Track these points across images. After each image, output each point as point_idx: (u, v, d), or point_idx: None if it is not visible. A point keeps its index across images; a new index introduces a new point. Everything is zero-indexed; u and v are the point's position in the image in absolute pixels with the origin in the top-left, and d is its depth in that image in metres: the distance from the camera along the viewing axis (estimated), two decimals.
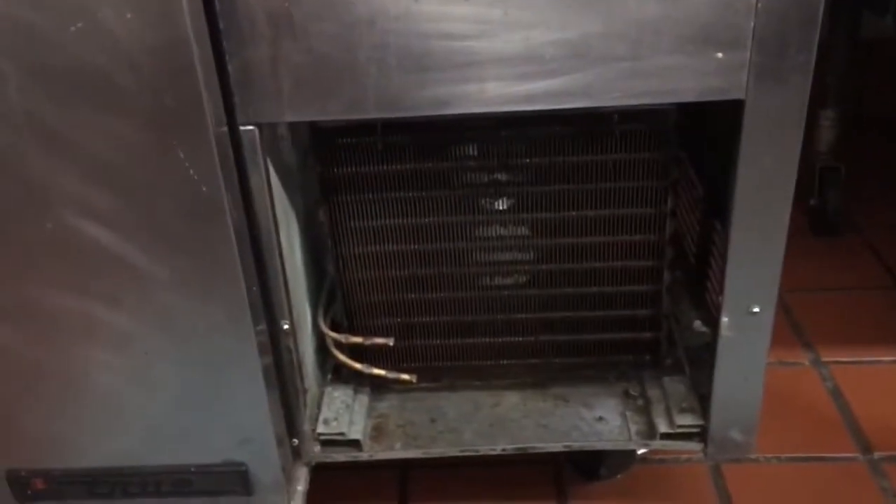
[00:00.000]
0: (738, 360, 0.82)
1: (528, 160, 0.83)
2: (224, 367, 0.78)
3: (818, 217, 1.51)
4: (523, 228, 0.87)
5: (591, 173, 0.83)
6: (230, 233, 0.71)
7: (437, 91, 0.70)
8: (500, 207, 0.87)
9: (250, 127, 0.72)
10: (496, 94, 0.70)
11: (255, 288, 0.76)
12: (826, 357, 1.26)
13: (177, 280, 0.73)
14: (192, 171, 0.68)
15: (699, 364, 0.96)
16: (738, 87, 0.69)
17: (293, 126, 0.84)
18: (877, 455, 1.08)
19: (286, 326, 0.81)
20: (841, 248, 1.50)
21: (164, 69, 0.65)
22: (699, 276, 1.06)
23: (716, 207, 0.99)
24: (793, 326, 1.32)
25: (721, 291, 0.80)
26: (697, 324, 1.03)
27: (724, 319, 0.80)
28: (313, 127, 0.83)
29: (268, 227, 0.77)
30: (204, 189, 0.69)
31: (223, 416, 0.80)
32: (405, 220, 0.87)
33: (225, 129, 0.70)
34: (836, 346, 1.27)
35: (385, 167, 0.84)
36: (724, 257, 0.78)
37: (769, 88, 0.69)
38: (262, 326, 0.79)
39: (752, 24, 0.66)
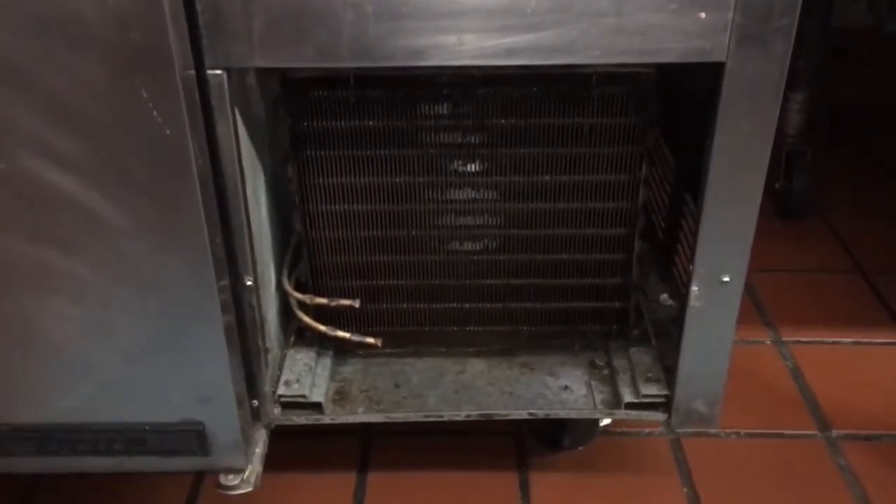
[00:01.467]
0: (706, 331, 0.82)
1: (503, 121, 0.82)
2: (184, 322, 0.75)
3: (784, 200, 1.52)
4: (494, 192, 0.86)
5: (567, 137, 0.82)
6: (194, 180, 0.68)
7: (414, 41, 0.68)
8: (472, 169, 0.85)
9: (218, 71, 0.69)
10: (475, 46, 0.68)
11: (218, 240, 0.74)
12: (787, 336, 1.27)
13: (137, 227, 0.70)
14: (155, 113, 0.65)
15: (666, 336, 0.96)
16: (719, 50, 0.68)
17: (263, 76, 0.82)
18: (834, 433, 1.09)
19: (249, 283, 0.79)
20: (805, 231, 1.52)
21: (129, 2, 0.61)
22: (667, 250, 1.07)
23: (686, 179, 0.99)
24: (755, 306, 1.32)
25: (692, 260, 0.79)
26: (664, 297, 1.04)
27: (694, 289, 0.80)
28: (284, 78, 0.80)
29: (234, 178, 0.74)
30: (168, 132, 0.66)
31: (182, 373, 0.78)
32: (374, 179, 0.85)
33: (192, 72, 0.67)
34: (797, 327, 1.28)
35: (356, 122, 0.82)
36: (696, 224, 0.77)
37: (750, 52, 0.68)
38: (225, 282, 0.76)
39: None
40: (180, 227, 0.71)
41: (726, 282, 0.79)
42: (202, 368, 0.78)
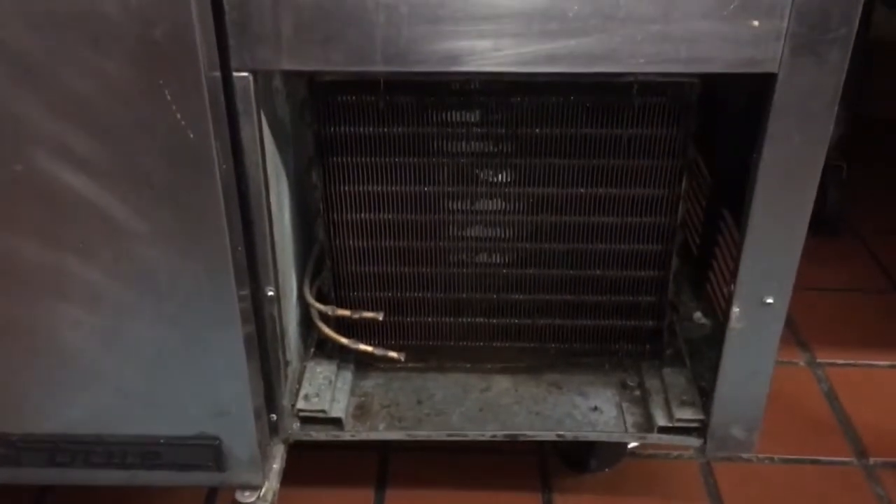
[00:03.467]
0: (746, 354, 0.78)
1: (536, 130, 0.78)
2: (203, 332, 0.72)
3: (818, 216, 1.47)
4: (525, 204, 0.83)
5: (605, 148, 0.78)
6: (217, 185, 0.66)
7: (450, 45, 0.65)
8: (503, 180, 0.82)
9: (245, 74, 0.66)
10: (513, 52, 0.65)
11: (240, 248, 0.71)
12: (821, 358, 1.22)
13: (157, 233, 0.67)
14: (179, 115, 0.63)
15: (700, 356, 0.93)
16: (771, 60, 0.65)
17: (289, 79, 0.79)
18: (872, 461, 1.05)
19: (271, 293, 0.76)
20: (839, 248, 1.47)
21: None
22: (701, 267, 1.03)
23: (724, 194, 0.96)
24: (788, 325, 1.28)
25: (733, 280, 0.75)
26: (698, 315, 1.00)
27: (735, 310, 0.76)
28: (311, 81, 0.77)
29: (258, 184, 0.71)
30: (191, 135, 0.63)
31: (199, 386, 0.75)
32: (401, 188, 0.82)
33: (217, 74, 0.65)
34: (832, 348, 1.24)
35: (384, 129, 0.79)
36: (739, 243, 0.74)
37: (805, 63, 0.65)
38: (246, 291, 0.73)
39: None
40: (201, 234, 0.68)
41: (769, 303, 0.75)
42: (220, 381, 0.75)
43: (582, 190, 0.81)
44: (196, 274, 0.69)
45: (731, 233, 0.94)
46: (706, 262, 1.02)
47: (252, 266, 0.74)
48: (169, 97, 0.62)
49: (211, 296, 0.70)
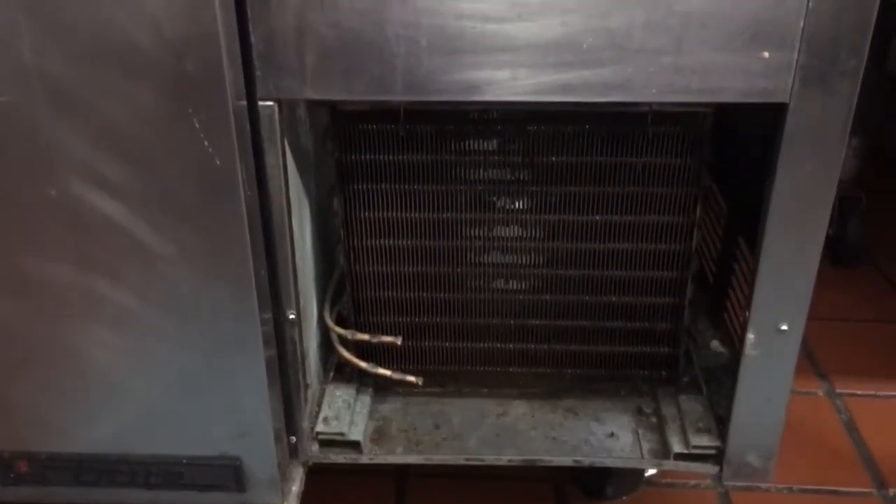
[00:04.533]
0: (761, 381, 0.78)
1: (553, 158, 0.80)
2: (226, 354, 0.74)
3: (836, 246, 1.48)
4: (542, 230, 0.84)
5: (620, 176, 0.80)
6: (242, 210, 0.68)
7: (469, 75, 0.67)
8: (520, 207, 0.84)
9: (270, 103, 0.69)
10: (529, 82, 0.67)
11: (263, 272, 0.73)
12: (841, 388, 1.22)
13: (183, 257, 0.70)
14: (206, 143, 0.65)
15: (716, 384, 0.93)
16: (782, 90, 0.66)
17: (312, 108, 0.81)
18: (892, 491, 1.04)
19: (292, 316, 0.78)
20: (858, 279, 1.47)
21: (186, 33, 0.62)
22: (718, 295, 1.03)
23: (739, 222, 0.97)
24: (807, 355, 1.28)
25: (748, 306, 0.76)
26: (715, 343, 1.01)
27: (750, 336, 0.76)
28: (333, 110, 0.79)
29: (280, 210, 0.73)
30: (218, 162, 0.66)
31: (221, 407, 0.76)
32: (420, 215, 0.83)
33: (244, 102, 0.67)
34: (851, 378, 1.23)
35: (404, 156, 0.81)
36: (753, 269, 0.75)
37: (815, 93, 0.66)
38: (268, 314, 0.75)
39: (802, 23, 0.63)
40: (226, 258, 0.70)
41: (784, 330, 0.76)
42: (242, 402, 0.76)
43: (598, 217, 0.82)
44: (220, 297, 0.71)
45: (747, 260, 0.95)
46: (723, 290, 1.02)
47: (274, 290, 0.76)
48: (198, 125, 0.65)
49: (234, 318, 0.72)
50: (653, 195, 0.80)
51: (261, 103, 0.69)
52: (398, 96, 0.68)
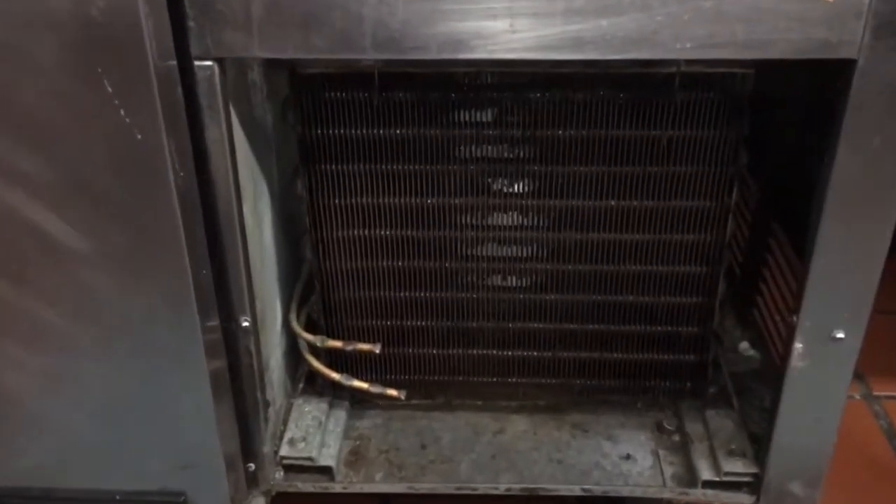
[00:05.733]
0: (809, 397, 0.66)
1: (559, 131, 0.67)
2: (162, 371, 0.61)
3: None
4: (546, 218, 0.71)
5: (641, 153, 0.67)
6: (172, 196, 0.55)
7: (454, 27, 0.54)
8: (520, 190, 0.71)
9: (208, 63, 0.56)
10: (531, 35, 0.54)
11: (205, 272, 0.60)
12: (879, 391, 1.09)
13: (102, 255, 0.57)
14: (122, 112, 0.52)
15: (748, 394, 0.81)
16: (849, 44, 0.53)
17: (268, 71, 0.68)
18: None
19: (246, 324, 0.65)
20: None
21: None
22: (746, 289, 0.90)
23: (775, 206, 0.83)
24: None
25: (795, 311, 0.63)
26: (744, 345, 0.88)
27: (798, 346, 0.64)
28: (293, 74, 0.66)
29: (227, 196, 0.60)
30: (139, 136, 0.52)
31: (159, 433, 0.64)
32: (402, 200, 0.70)
33: (173, 62, 0.54)
34: (891, 380, 1.10)
35: (381, 131, 0.68)
36: (804, 267, 0.62)
37: (890, 47, 0.52)
38: (214, 321, 0.62)
39: None
40: (155, 255, 0.57)
41: (839, 338, 0.63)
42: (184, 427, 0.64)
43: (612, 202, 0.69)
44: (151, 303, 0.58)
45: (784, 251, 0.82)
46: (752, 283, 0.89)
47: (222, 292, 0.63)
48: (110, 90, 0.51)
49: (169, 328, 0.60)
50: (679, 176, 0.68)
51: (197, 63, 0.56)
52: (368, 55, 0.55)
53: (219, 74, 0.56)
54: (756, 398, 0.81)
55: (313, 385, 0.81)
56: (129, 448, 0.65)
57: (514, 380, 0.80)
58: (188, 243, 0.57)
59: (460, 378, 0.80)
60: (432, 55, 0.55)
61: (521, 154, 0.69)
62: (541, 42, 0.54)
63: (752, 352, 0.88)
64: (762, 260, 0.88)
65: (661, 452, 0.76)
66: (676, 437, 0.78)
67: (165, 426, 0.64)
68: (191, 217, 0.57)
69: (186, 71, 0.55)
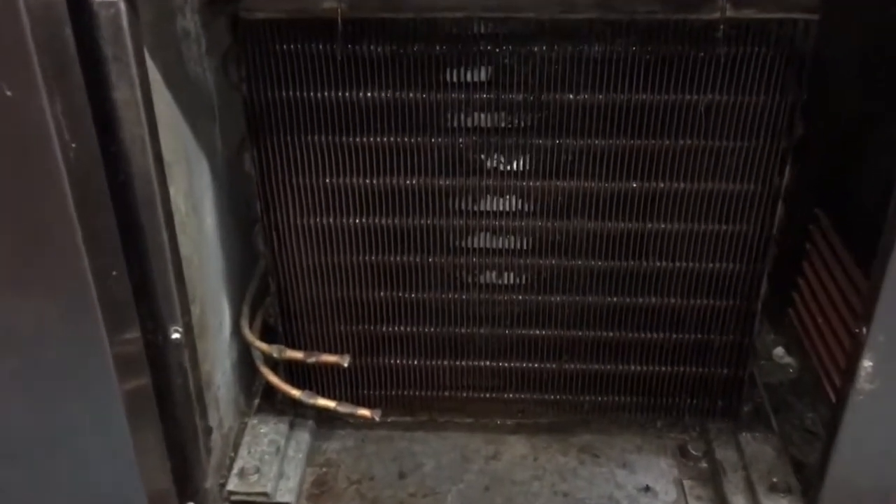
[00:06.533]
0: (878, 425, 0.54)
1: (570, 95, 0.54)
2: (60, 397, 0.48)
3: None
4: (552, 202, 0.58)
5: (672, 122, 0.55)
6: (60, 176, 0.42)
7: None
8: (521, 168, 0.57)
9: None
10: None
11: (115, 273, 0.47)
12: None
13: None
14: None
15: (787, 410, 0.71)
16: None
17: (206, 16, 0.54)
18: None
19: (176, 336, 0.52)
20: None
21: None
22: (779, 287, 0.77)
23: (816, 190, 0.71)
24: None
25: (865, 321, 0.50)
26: (779, 352, 0.76)
27: (866, 364, 0.52)
28: (237, 20, 0.52)
29: (145, 174, 0.48)
30: (8, 93, 0.38)
31: (62, 472, 0.52)
32: (374, 180, 0.59)
33: None
34: None
35: (346, 94, 0.55)
36: (880, 268, 0.49)
37: None
38: (133, 334, 0.50)
39: None
40: (41, 255, 0.43)
41: None
42: (93, 464, 0.51)
43: (634, 184, 0.57)
44: (41, 313, 0.45)
45: (832, 243, 0.69)
46: (787, 279, 0.76)
47: (144, 298, 0.50)
48: None
49: (68, 344, 0.47)
50: (719, 151, 0.56)
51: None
52: None
53: (127, 14, 0.43)
54: (795, 416, 0.70)
55: (272, 401, 0.69)
56: (27, 489, 0.51)
57: (511, 395, 0.69)
58: (86, 237, 0.43)
59: (447, 393, 0.69)
60: None
61: (522, 123, 0.56)
62: None
63: (787, 359, 0.76)
64: (800, 250, 0.75)
65: (687, 483, 0.65)
66: (704, 465, 0.66)
67: (70, 463, 0.51)
68: (91, 202, 0.44)
69: (81, 7, 0.42)
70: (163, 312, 0.53)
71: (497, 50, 0.54)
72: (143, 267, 0.51)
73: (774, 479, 0.62)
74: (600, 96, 0.54)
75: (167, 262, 0.51)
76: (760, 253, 0.58)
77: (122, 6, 0.43)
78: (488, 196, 0.60)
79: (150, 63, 0.47)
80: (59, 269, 0.45)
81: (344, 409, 0.64)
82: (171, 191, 0.50)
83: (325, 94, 0.55)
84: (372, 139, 0.57)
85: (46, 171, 0.42)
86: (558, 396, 0.68)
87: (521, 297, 0.63)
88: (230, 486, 0.62)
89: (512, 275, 0.63)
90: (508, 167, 0.59)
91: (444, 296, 0.63)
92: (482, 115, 0.57)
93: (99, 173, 0.46)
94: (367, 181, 0.58)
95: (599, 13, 0.50)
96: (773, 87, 0.52)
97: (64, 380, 0.49)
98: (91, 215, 0.45)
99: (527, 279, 0.63)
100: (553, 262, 0.61)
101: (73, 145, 0.43)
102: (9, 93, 0.40)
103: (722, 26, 0.50)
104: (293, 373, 0.66)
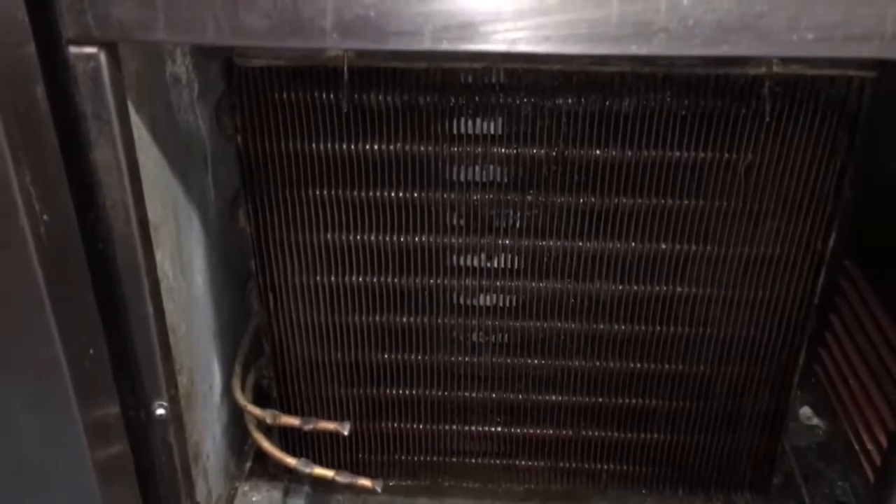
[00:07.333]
0: None
1: (597, 151, 0.49)
2: (24, 484, 0.43)
3: None
4: (573, 262, 0.54)
5: (708, 182, 0.49)
6: (28, 251, 0.38)
7: (458, 5, 0.35)
8: (536, 226, 0.53)
9: (91, 49, 0.39)
10: (562, 20, 0.35)
11: (94, 350, 0.42)
12: None
13: None
14: None
15: (815, 480, 0.66)
16: None
17: (199, 60, 0.49)
18: None
19: (161, 412, 0.48)
20: None
21: None
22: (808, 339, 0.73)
23: (847, 240, 0.66)
24: None
25: None
26: (806, 411, 0.72)
27: None
28: (231, 68, 0.47)
29: (128, 241, 0.44)
30: None
31: None
32: (377, 237, 0.56)
33: (30, 48, 0.35)
34: None
35: (350, 146, 0.51)
36: None
37: None
38: (111, 408, 0.45)
39: None
40: (9, 340, 0.38)
41: None
42: None
43: (664, 245, 0.53)
44: (8, 398, 0.40)
45: (863, 295, 0.65)
46: (813, 333, 0.72)
47: (125, 373, 0.45)
48: None
49: (37, 425, 0.41)
50: (758, 215, 0.50)
51: (72, 50, 0.38)
52: (330, 42, 0.37)
53: (108, 66, 0.39)
54: (826, 484, 0.65)
55: (264, 464, 0.64)
56: None
57: (522, 462, 0.64)
58: (59, 319, 0.39)
59: (454, 459, 0.64)
60: (426, 45, 0.37)
61: (538, 179, 0.51)
62: (572, 32, 0.35)
63: (815, 420, 0.71)
64: (828, 304, 0.70)
65: None
66: None
67: None
68: (65, 279, 0.39)
69: (55, 61, 0.37)
70: (146, 388, 0.48)
71: (517, 102, 0.49)
72: (124, 342, 0.46)
73: None
74: (629, 153, 0.49)
75: (152, 336, 0.47)
76: (800, 322, 0.54)
77: (103, 58, 0.39)
78: (499, 254, 0.55)
79: (134, 118, 0.42)
80: (28, 354, 0.40)
81: (343, 479, 0.59)
82: (158, 256, 0.46)
83: (328, 145, 0.50)
84: (377, 194, 0.52)
85: (11, 251, 0.37)
86: (575, 465, 0.63)
87: (537, 362, 0.59)
88: None
89: (525, 338, 0.58)
90: (523, 225, 0.54)
91: (451, 358, 0.59)
92: (496, 170, 0.52)
93: (75, 246, 0.41)
94: (371, 237, 0.53)
95: (633, 66, 0.46)
96: (821, 149, 0.47)
97: (41, 468, 0.44)
98: (65, 293, 0.40)
99: (544, 342, 0.58)
100: (573, 325, 0.57)
101: (45, 217, 0.38)
102: None
103: (768, 82, 0.45)
104: (288, 436, 0.61)
